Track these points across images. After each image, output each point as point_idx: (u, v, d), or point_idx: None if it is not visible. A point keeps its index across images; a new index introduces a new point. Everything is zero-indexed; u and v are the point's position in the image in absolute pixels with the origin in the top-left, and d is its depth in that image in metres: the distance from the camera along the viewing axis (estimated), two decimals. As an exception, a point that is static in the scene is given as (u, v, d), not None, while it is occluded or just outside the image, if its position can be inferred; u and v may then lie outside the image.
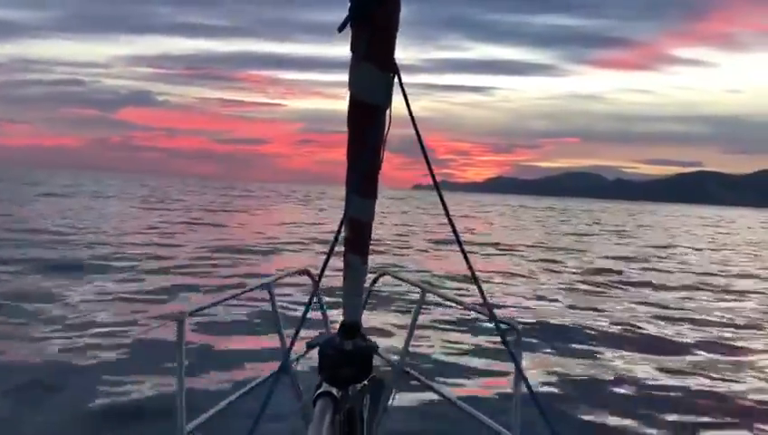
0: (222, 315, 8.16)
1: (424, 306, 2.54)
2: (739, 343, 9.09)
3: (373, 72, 1.56)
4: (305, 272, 2.62)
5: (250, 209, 42.15)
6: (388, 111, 1.63)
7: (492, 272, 15.19)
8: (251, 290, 2.53)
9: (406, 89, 1.59)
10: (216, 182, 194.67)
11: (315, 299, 2.47)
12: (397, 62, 1.58)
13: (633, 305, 11.90)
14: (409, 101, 1.60)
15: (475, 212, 60.91)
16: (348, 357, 2.08)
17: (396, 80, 1.58)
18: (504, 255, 20.25)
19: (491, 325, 1.90)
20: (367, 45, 1.52)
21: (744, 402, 6.44)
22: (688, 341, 9.10)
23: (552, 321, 9.80)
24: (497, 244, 23.95)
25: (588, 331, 9.29)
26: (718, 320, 10.87)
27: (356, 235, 1.92)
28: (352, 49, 1.54)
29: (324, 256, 1.85)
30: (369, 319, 7.26)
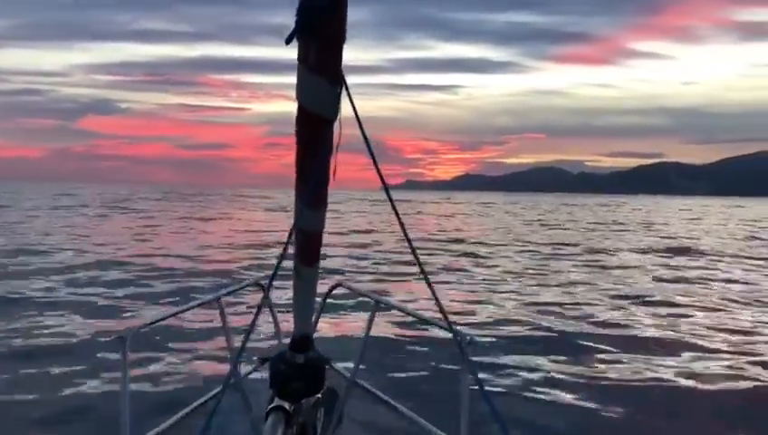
0: (171, 330, 7.94)
1: (378, 318, 2.52)
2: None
3: (322, 85, 1.53)
4: (257, 284, 2.46)
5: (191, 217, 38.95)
6: (337, 123, 1.61)
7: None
8: (201, 304, 2.46)
9: (354, 99, 1.56)
10: (181, 189, 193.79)
11: (267, 311, 2.59)
12: (344, 72, 1.55)
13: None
14: (358, 113, 1.58)
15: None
16: (299, 370, 2.07)
17: (344, 91, 1.56)
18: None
19: (444, 335, 1.93)
20: (315, 57, 1.50)
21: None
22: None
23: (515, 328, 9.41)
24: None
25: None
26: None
27: (306, 245, 1.89)
28: (300, 60, 1.51)
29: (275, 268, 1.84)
30: (323, 331, 7.40)
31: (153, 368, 6.75)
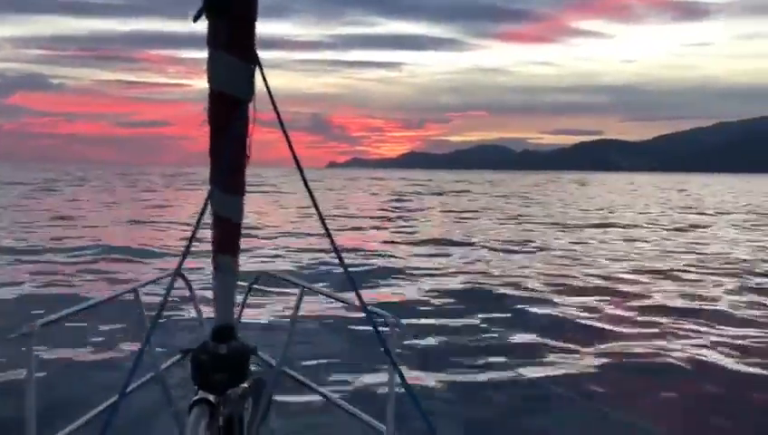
0: (86, 324, 7.66)
1: (305, 305, 2.51)
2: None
3: (233, 64, 1.49)
4: (178, 274, 2.38)
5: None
6: (251, 104, 1.57)
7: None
8: (117, 296, 2.40)
9: (268, 79, 1.53)
10: (119, 167, 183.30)
11: (190, 302, 2.61)
12: (258, 51, 1.51)
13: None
14: (272, 93, 1.54)
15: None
16: (222, 361, 2.07)
17: (258, 71, 1.52)
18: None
19: (371, 320, 1.92)
20: (226, 36, 1.46)
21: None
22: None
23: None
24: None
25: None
26: None
27: (224, 234, 1.87)
28: (209, 40, 1.47)
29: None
30: (250, 319, 7.41)
31: (64, 364, 6.49)
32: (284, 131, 1.62)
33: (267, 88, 1.56)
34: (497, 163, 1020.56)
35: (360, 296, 1.84)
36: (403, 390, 1.85)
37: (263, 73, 1.54)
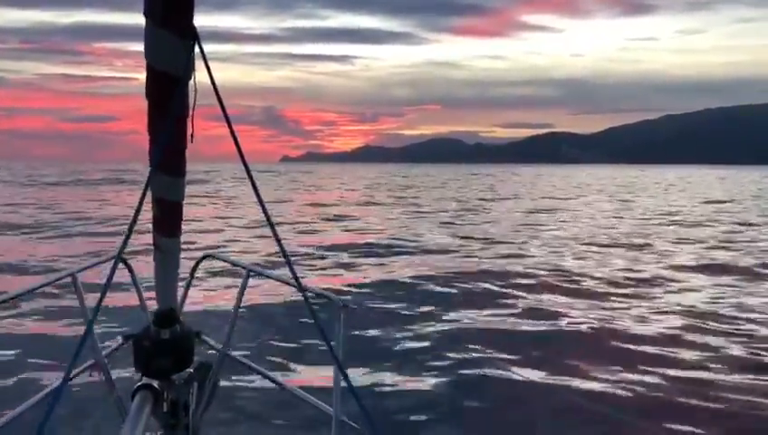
0: (20, 310, 7.55)
1: (252, 288, 2.50)
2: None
3: (171, 40, 1.42)
4: (119, 258, 2.26)
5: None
6: (192, 83, 1.51)
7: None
8: (54, 282, 2.35)
9: (208, 58, 1.46)
10: (65, 164, 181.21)
11: (132, 287, 2.55)
12: (198, 28, 1.46)
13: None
14: (212, 72, 1.49)
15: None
16: (165, 346, 2.05)
17: (198, 49, 1.46)
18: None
19: (320, 302, 1.90)
20: (162, 9, 1.38)
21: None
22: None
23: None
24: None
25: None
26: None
27: (164, 215, 1.84)
28: (146, 14, 1.39)
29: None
30: (194, 303, 7.34)
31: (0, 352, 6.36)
32: (224, 113, 1.55)
33: (207, 67, 1.49)
34: (452, 156, 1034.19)
35: (297, 280, 1.80)
36: (356, 370, 1.98)
37: (202, 50, 1.46)
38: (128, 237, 1.57)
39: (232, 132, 1.57)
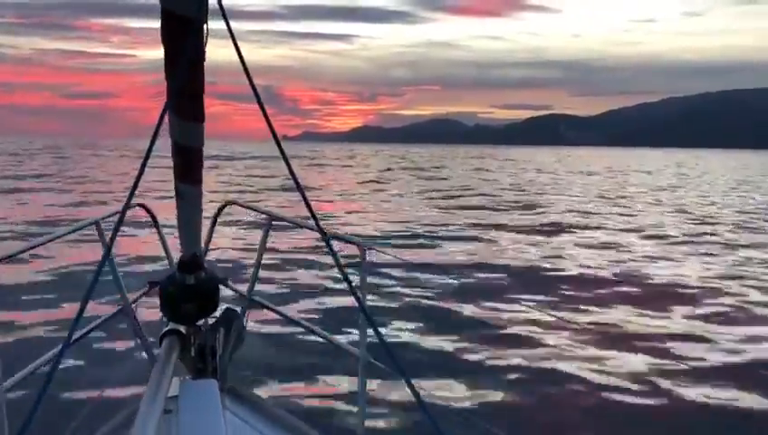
0: (50, 257, 7.68)
1: (273, 233, 2.47)
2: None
3: None
4: (141, 205, 2.36)
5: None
6: (205, 26, 1.46)
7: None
8: (77, 229, 2.36)
9: (225, 5, 1.40)
10: (63, 140, 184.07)
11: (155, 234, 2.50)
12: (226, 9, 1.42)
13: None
14: (228, 18, 1.42)
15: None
16: (190, 292, 2.04)
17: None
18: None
19: (344, 247, 1.92)
20: None
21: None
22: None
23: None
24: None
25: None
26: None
27: (184, 162, 1.79)
28: None
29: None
30: (218, 249, 7.44)
31: (28, 299, 6.44)
32: (244, 65, 1.48)
33: (222, 9, 1.42)
34: (451, 137, 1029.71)
35: (318, 222, 1.75)
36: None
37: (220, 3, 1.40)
38: (137, 181, 1.52)
39: (251, 81, 1.50)
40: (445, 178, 35.83)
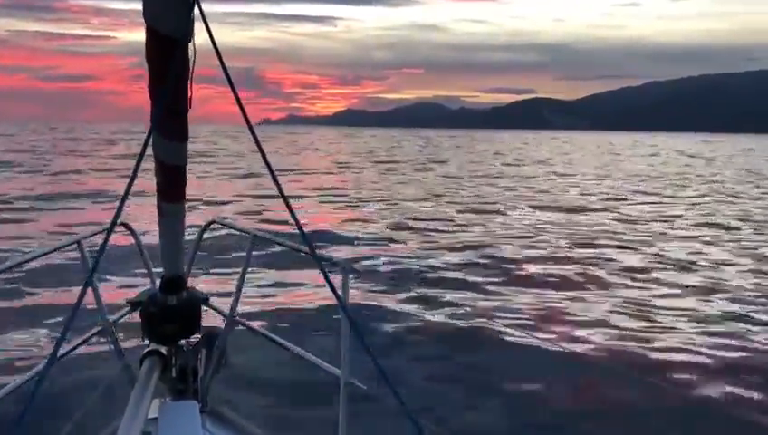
0: (27, 277, 7.55)
1: (256, 253, 2.53)
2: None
3: (169, 1, 1.41)
4: (123, 224, 2.34)
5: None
6: (191, 45, 1.49)
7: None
8: (59, 248, 2.34)
9: (208, 19, 1.44)
10: (41, 124, 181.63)
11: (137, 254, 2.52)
12: None
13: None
14: (213, 34, 1.45)
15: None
16: (172, 312, 2.05)
17: (197, 10, 1.43)
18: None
19: (325, 266, 1.87)
20: None
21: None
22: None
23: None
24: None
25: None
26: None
27: (168, 180, 1.81)
28: None
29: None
30: (202, 269, 7.60)
31: (4, 319, 6.39)
32: (228, 77, 1.50)
33: (207, 29, 1.44)
34: (436, 120, 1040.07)
35: (309, 244, 1.77)
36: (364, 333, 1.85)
37: (201, 12, 1.42)
38: (123, 202, 1.52)
39: (236, 95, 1.52)
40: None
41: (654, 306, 8.30)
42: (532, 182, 29.03)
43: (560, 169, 39.89)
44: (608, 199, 22.44)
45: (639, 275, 10.31)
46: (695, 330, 7.23)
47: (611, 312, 7.97)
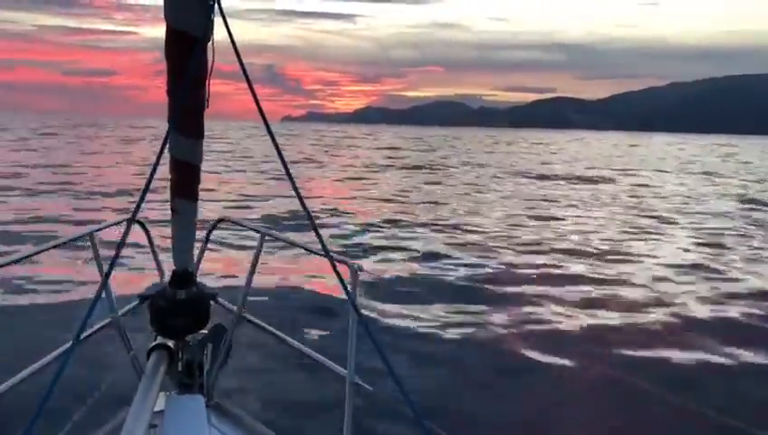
0: (40, 268, 7.58)
1: (265, 250, 2.50)
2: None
3: (190, 2, 1.44)
4: (134, 220, 2.31)
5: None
6: (210, 44, 1.52)
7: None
8: (71, 240, 2.37)
9: (228, 19, 1.46)
10: (66, 118, 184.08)
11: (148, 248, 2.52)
12: None
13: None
14: (233, 34, 1.47)
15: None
16: (181, 307, 2.07)
17: (217, 9, 1.46)
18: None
19: (330, 265, 1.87)
20: None
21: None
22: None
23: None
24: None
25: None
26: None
27: (182, 177, 1.84)
28: None
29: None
30: (210, 265, 7.52)
31: (17, 310, 6.46)
32: (246, 76, 1.53)
33: (228, 28, 1.47)
34: (456, 119, 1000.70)
35: (322, 242, 1.79)
36: (364, 333, 1.86)
37: (222, 12, 1.45)
38: (142, 198, 1.57)
39: (253, 93, 1.56)
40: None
41: None
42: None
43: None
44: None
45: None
46: None
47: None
